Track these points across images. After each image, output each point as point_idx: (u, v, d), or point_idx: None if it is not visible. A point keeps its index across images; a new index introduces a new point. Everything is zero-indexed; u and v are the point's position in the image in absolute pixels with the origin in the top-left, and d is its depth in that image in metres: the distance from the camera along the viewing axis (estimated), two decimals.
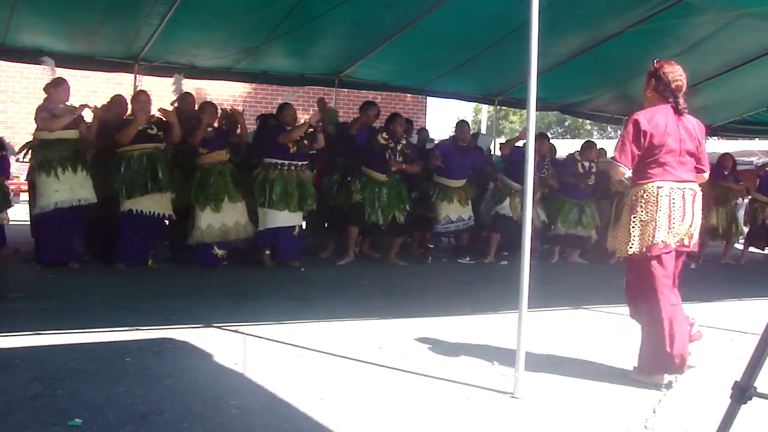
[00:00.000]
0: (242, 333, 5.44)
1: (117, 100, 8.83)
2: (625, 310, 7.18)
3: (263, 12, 8.27)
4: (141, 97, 8.31)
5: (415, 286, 7.94)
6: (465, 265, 10.13)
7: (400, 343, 5.44)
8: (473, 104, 29.99)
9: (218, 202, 8.38)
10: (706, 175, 4.94)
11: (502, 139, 12.97)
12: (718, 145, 21.28)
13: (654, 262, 4.60)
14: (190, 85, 10.37)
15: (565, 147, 15.37)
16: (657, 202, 4.54)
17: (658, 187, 4.56)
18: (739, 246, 12.67)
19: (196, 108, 9.03)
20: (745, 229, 12.64)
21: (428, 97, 19.00)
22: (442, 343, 5.53)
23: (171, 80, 9.75)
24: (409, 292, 7.72)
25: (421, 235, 10.53)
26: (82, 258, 8.15)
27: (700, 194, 4.73)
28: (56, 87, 7.96)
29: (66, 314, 5.79)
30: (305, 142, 8.72)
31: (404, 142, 9.46)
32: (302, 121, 9.07)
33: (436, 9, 8.81)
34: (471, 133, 10.68)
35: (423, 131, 12.33)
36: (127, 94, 9.46)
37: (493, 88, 12.40)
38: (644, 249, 4.58)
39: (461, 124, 10.53)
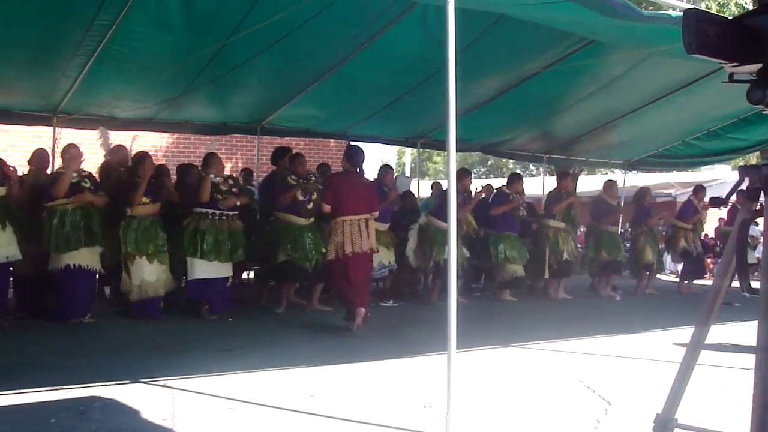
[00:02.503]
0: (170, 387, 5.35)
1: (39, 154, 8.76)
2: (555, 345, 7.34)
3: (183, 62, 8.23)
4: (72, 150, 8.23)
5: (343, 332, 7.88)
6: (390, 308, 10.12)
7: (332, 390, 5.41)
8: (397, 147, 30.15)
9: (158, 254, 8.33)
10: (376, 214, 8.06)
11: (426, 181, 13.10)
12: (637, 179, 21.82)
13: (348, 262, 7.61)
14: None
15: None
16: (342, 228, 7.61)
17: (343, 220, 7.64)
18: (665, 277, 13.01)
19: (130, 161, 8.98)
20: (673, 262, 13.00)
21: (351, 142, 19.10)
22: (374, 388, 5.52)
23: (96, 134, 9.61)
24: (338, 337, 7.67)
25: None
26: (14, 315, 8.04)
27: (371, 221, 7.83)
28: None
29: None
30: (234, 190, 8.71)
31: (312, 179, 9.32)
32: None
33: (356, 54, 8.86)
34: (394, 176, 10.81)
35: None
36: (47, 147, 9.32)
37: (416, 131, 12.51)
38: (340, 255, 7.59)
39: (385, 169, 10.64)
